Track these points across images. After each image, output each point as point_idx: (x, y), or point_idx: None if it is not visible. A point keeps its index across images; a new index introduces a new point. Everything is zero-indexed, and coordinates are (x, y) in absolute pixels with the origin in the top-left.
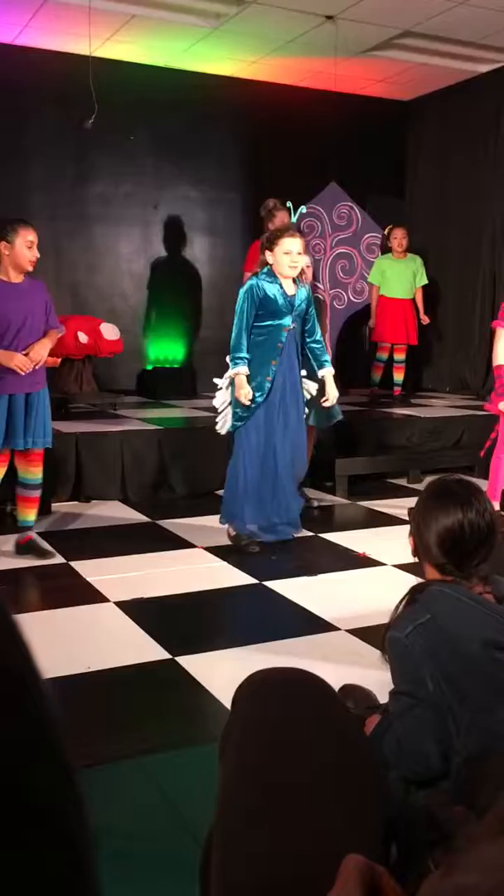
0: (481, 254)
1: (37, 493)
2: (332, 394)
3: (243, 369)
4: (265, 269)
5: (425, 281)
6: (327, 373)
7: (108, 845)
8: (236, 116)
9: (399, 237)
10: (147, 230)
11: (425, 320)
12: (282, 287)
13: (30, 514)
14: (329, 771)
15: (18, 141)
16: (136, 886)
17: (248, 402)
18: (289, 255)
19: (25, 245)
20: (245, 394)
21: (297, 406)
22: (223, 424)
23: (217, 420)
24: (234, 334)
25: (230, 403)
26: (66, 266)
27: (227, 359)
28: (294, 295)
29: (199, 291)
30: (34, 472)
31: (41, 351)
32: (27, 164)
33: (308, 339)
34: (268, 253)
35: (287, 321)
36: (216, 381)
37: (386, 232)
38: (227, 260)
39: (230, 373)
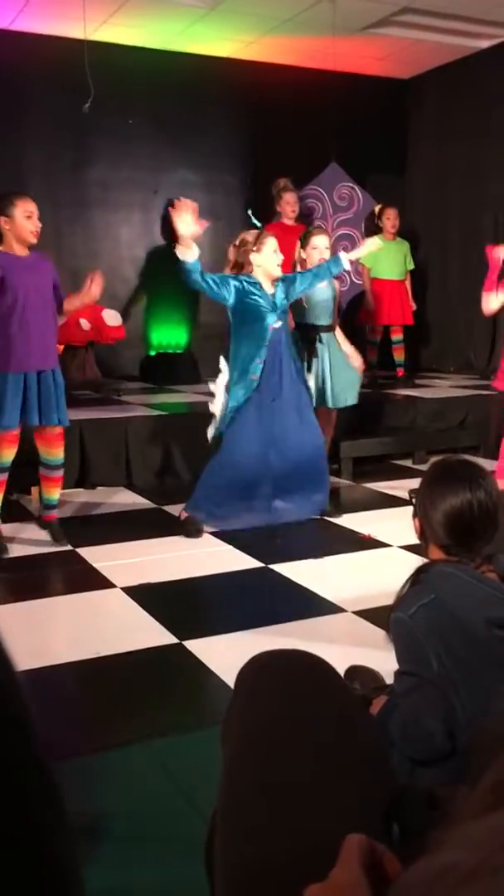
0: (482, 232)
1: (59, 473)
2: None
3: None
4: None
5: (412, 266)
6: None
7: (117, 827)
8: (235, 98)
9: (392, 217)
10: (147, 215)
11: (413, 306)
12: (261, 288)
13: (53, 493)
14: (331, 751)
15: (16, 127)
16: (145, 867)
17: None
18: (277, 254)
19: (24, 215)
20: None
21: (297, 403)
22: (214, 430)
23: (209, 428)
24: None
25: (226, 408)
26: (67, 252)
27: (221, 362)
28: (274, 293)
29: None
30: (55, 454)
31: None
32: (25, 150)
33: (297, 286)
34: (254, 255)
35: (271, 319)
36: (211, 386)
37: (377, 211)
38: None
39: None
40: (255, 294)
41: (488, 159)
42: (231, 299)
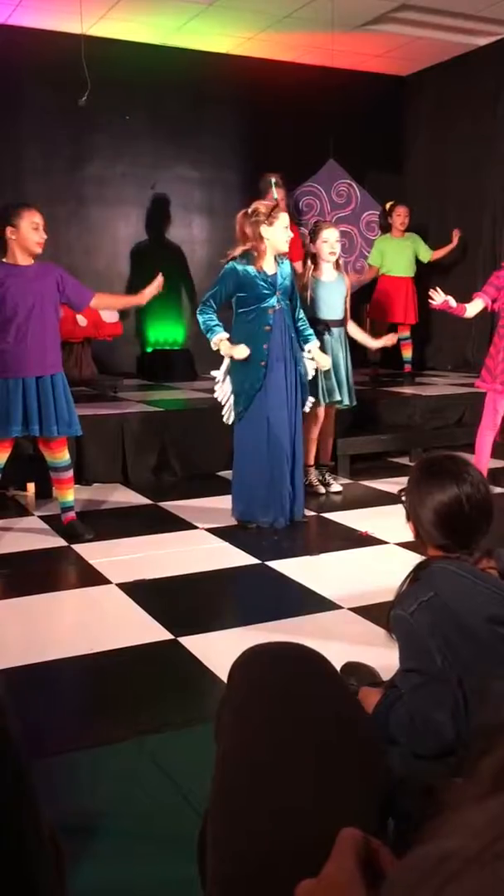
0: (482, 230)
1: (68, 475)
2: (322, 361)
3: (222, 334)
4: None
5: (429, 255)
6: (313, 346)
7: (111, 824)
8: (233, 94)
9: (402, 215)
10: (144, 211)
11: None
12: (259, 270)
13: (67, 495)
14: (328, 745)
15: (13, 123)
16: (139, 864)
17: (245, 355)
18: (287, 231)
19: (31, 227)
20: (239, 351)
21: (295, 389)
22: (229, 416)
23: (223, 413)
24: (199, 312)
25: (232, 393)
26: (64, 249)
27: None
28: (276, 273)
29: (198, 272)
30: (59, 457)
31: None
32: (22, 146)
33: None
34: (265, 228)
35: (272, 301)
36: (213, 373)
37: (387, 208)
38: (226, 240)
39: (213, 341)
40: (252, 279)
41: (486, 156)
42: (234, 293)
